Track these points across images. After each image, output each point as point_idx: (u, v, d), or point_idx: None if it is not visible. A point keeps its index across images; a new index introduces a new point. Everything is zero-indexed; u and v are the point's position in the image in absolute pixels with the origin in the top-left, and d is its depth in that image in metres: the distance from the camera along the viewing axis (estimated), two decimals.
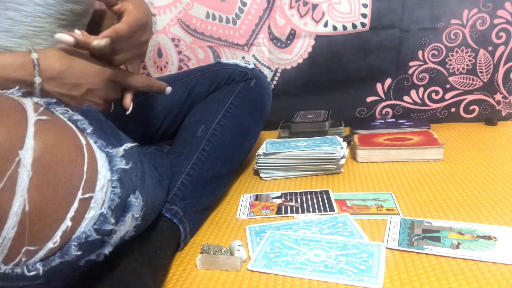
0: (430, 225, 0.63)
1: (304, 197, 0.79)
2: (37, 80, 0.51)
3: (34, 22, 0.59)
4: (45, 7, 0.60)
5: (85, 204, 0.40)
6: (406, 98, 1.23)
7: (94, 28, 0.74)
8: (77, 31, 0.57)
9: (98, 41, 0.55)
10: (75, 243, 0.39)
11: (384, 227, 0.65)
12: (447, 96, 1.21)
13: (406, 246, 0.58)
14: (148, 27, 0.66)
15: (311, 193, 0.81)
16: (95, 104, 0.59)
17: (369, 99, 1.25)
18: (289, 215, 0.72)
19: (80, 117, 0.45)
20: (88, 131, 0.45)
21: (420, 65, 1.18)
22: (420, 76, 1.19)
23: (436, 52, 1.16)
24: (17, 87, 0.46)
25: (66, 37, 0.54)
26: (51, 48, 0.57)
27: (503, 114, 1.21)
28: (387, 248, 0.58)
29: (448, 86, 1.19)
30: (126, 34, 0.60)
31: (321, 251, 0.58)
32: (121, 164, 0.45)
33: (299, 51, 1.22)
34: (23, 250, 0.36)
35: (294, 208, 0.75)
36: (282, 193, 0.82)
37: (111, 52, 0.60)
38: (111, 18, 0.78)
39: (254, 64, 0.94)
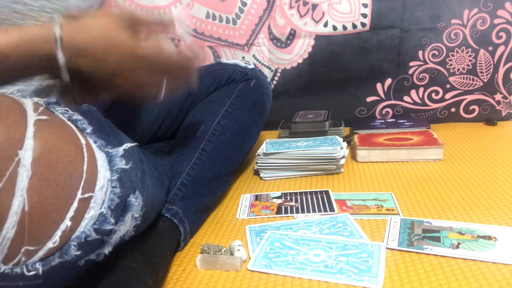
0: (430, 225, 0.63)
1: (304, 197, 0.79)
2: (60, 57, 0.47)
3: (40, 17, 0.59)
4: (51, 2, 0.60)
5: (84, 204, 0.40)
6: (406, 98, 1.23)
7: None
8: None
9: None
10: (75, 243, 0.39)
11: (384, 227, 0.64)
12: (447, 96, 1.21)
13: (406, 246, 0.58)
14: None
15: (311, 193, 0.81)
16: (124, 89, 0.52)
17: (369, 99, 1.25)
18: (289, 215, 0.72)
19: (79, 117, 0.45)
20: (88, 130, 0.45)
21: (420, 65, 1.18)
22: (420, 76, 1.19)
23: (436, 52, 1.16)
24: (17, 88, 0.46)
25: None
26: (79, 16, 0.52)
27: (503, 114, 1.21)
28: (387, 248, 0.58)
29: (448, 86, 1.19)
30: None
31: (321, 251, 0.58)
32: (121, 164, 0.45)
33: (299, 51, 1.22)
34: (23, 250, 0.36)
35: (294, 208, 0.75)
36: (282, 193, 0.82)
37: None
38: None
39: (254, 64, 0.94)
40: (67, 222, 0.39)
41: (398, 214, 0.69)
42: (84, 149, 0.42)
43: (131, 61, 0.52)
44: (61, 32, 0.47)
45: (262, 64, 1.25)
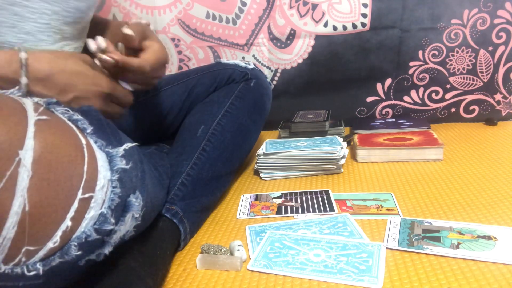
0: (430, 225, 0.63)
1: (304, 197, 0.79)
2: (23, 80, 0.50)
3: (40, 19, 0.59)
4: (51, 4, 0.60)
5: (85, 204, 0.40)
6: (406, 98, 1.23)
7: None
8: (100, 41, 0.58)
9: (102, 56, 0.57)
10: (75, 243, 0.39)
11: (384, 227, 0.65)
12: (447, 96, 1.21)
13: (406, 246, 0.58)
14: (165, 67, 0.69)
15: (311, 193, 0.81)
16: None
17: (369, 99, 1.25)
18: (289, 215, 0.72)
19: (80, 117, 0.45)
20: (88, 131, 0.45)
21: (420, 65, 1.18)
22: (420, 76, 1.19)
23: (436, 52, 1.16)
24: (17, 87, 0.46)
25: (90, 44, 0.58)
26: (43, 50, 0.56)
27: (503, 114, 1.21)
28: (387, 248, 0.58)
29: (448, 86, 1.19)
30: (143, 71, 0.62)
31: (321, 251, 0.58)
32: (121, 164, 0.45)
33: (299, 51, 1.22)
34: (23, 250, 0.36)
35: (294, 208, 0.75)
36: (282, 193, 0.82)
37: (119, 74, 0.61)
38: (115, 27, 0.78)
39: (254, 64, 0.94)
40: (67, 222, 0.39)
41: (398, 214, 0.69)
42: (85, 149, 0.42)
43: (92, 92, 0.56)
44: (27, 58, 0.50)
45: (262, 64, 1.25)
